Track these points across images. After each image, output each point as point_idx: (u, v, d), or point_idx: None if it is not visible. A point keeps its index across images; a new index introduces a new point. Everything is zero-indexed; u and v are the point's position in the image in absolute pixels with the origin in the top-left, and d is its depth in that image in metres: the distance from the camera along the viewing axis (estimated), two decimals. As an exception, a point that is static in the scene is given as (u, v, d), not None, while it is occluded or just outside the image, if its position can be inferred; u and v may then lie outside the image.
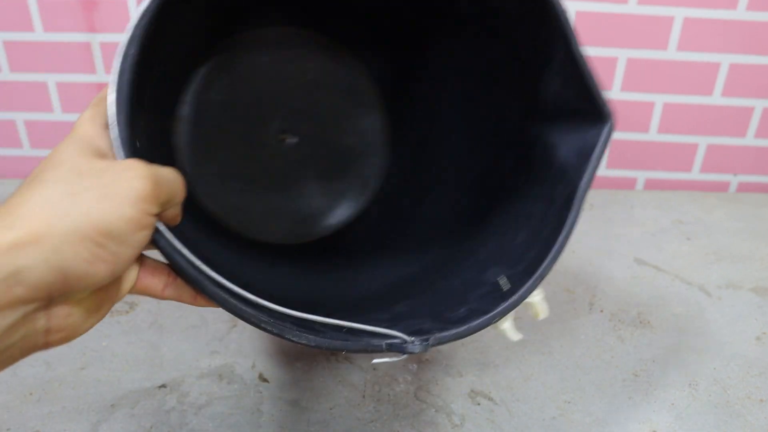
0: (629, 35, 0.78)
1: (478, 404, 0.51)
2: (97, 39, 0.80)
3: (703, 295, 0.65)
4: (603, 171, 0.88)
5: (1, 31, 0.79)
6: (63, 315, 0.27)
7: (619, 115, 0.83)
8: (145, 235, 0.28)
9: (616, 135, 0.85)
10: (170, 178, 0.29)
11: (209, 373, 0.54)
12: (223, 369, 0.54)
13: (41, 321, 0.26)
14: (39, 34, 0.79)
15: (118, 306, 0.61)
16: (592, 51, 0.79)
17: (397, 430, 0.49)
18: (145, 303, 0.62)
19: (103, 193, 0.26)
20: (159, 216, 0.29)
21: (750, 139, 0.85)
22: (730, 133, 0.85)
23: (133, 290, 0.31)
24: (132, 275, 0.31)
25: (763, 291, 0.66)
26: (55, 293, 0.25)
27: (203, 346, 0.57)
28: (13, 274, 0.23)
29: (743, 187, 0.89)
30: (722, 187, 0.89)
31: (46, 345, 0.27)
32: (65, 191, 0.25)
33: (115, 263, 0.26)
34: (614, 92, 0.82)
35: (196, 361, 0.55)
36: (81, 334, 0.28)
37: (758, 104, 0.83)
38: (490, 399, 0.52)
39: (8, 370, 0.53)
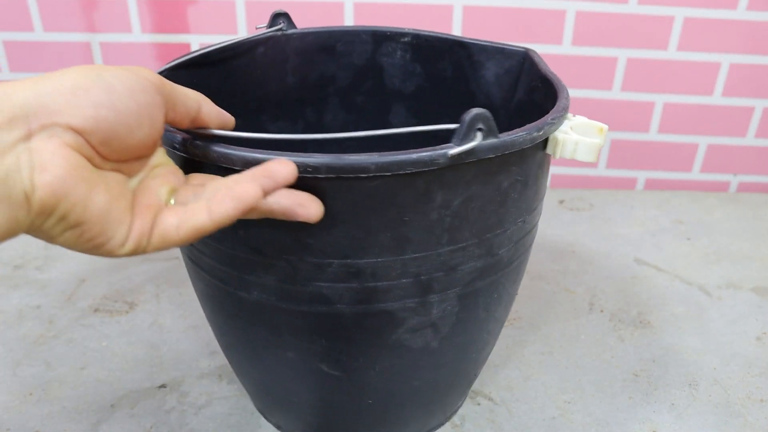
0: (629, 35, 0.78)
1: (478, 404, 0.51)
2: (97, 39, 0.80)
3: (703, 295, 0.65)
4: (603, 171, 0.88)
5: (1, 31, 0.79)
6: (48, 150, 0.25)
7: (619, 115, 0.83)
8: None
9: (616, 135, 0.85)
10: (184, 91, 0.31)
11: (209, 373, 0.54)
12: (223, 369, 0.54)
13: (24, 155, 0.24)
14: (39, 34, 0.79)
15: (117, 306, 0.61)
16: (592, 51, 0.79)
17: (397, 430, 0.49)
18: (145, 303, 0.62)
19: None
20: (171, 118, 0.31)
21: (750, 139, 0.85)
22: (731, 133, 0.85)
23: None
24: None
25: (764, 291, 0.66)
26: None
27: (203, 346, 0.57)
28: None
29: (743, 187, 0.89)
30: (722, 187, 0.89)
31: (32, 191, 0.24)
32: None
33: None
34: (614, 92, 0.82)
35: (196, 361, 0.55)
36: (67, 190, 0.25)
37: (758, 104, 0.82)
38: (490, 399, 0.52)
39: (8, 370, 0.53)
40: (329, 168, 0.30)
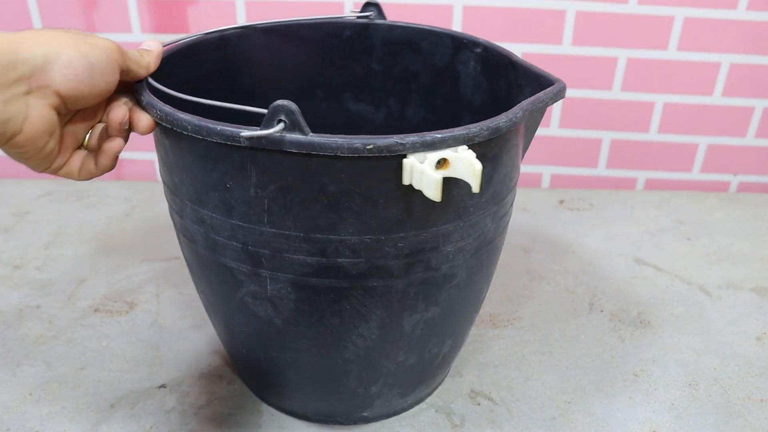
0: (629, 35, 0.78)
1: (478, 404, 0.51)
2: (97, 39, 0.80)
3: (703, 295, 0.65)
4: (603, 171, 0.88)
5: (1, 32, 0.79)
6: (38, 107, 0.34)
7: (619, 115, 0.83)
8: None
9: (617, 135, 0.85)
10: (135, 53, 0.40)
11: (209, 373, 0.54)
12: (223, 369, 0.54)
13: (23, 107, 0.33)
14: (39, 34, 0.79)
15: (117, 306, 0.61)
16: (592, 51, 0.79)
17: (396, 429, 0.49)
18: (145, 303, 0.62)
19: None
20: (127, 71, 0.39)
21: (750, 139, 0.85)
22: (731, 133, 0.85)
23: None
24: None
25: (764, 291, 0.66)
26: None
27: (203, 346, 0.57)
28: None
29: (743, 187, 0.89)
30: (722, 187, 0.89)
31: (17, 132, 0.33)
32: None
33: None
34: (614, 92, 0.82)
35: (196, 362, 0.55)
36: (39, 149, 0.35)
37: (758, 104, 0.82)
38: (490, 399, 0.52)
39: (8, 371, 0.53)
40: (166, 119, 0.36)
